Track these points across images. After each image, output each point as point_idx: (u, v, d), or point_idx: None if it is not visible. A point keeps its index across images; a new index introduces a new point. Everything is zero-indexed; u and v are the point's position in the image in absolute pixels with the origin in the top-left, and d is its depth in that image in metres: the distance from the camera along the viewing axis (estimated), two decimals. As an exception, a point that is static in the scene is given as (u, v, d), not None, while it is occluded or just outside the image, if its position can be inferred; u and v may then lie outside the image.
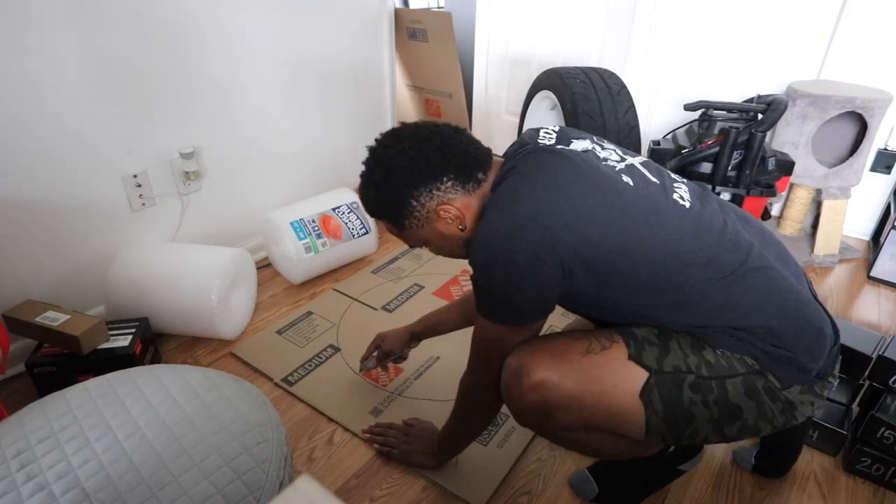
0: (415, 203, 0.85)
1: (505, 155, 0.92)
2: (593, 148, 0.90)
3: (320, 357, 1.46)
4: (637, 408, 0.82)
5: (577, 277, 0.80)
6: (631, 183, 0.84)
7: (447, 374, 1.40)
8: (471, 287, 1.61)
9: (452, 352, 1.47)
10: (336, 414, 1.28)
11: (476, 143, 0.89)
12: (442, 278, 1.82)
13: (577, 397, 0.82)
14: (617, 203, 0.80)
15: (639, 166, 0.89)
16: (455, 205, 0.86)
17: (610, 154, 0.90)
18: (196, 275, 1.43)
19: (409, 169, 0.84)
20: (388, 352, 1.31)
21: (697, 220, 0.84)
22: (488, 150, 0.90)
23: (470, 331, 1.59)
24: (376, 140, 0.88)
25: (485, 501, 1.08)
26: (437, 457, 1.12)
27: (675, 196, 0.86)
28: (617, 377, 0.82)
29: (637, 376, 0.82)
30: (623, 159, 0.89)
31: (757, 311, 0.82)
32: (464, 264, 1.90)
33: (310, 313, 1.64)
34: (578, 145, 0.89)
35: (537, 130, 0.93)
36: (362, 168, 0.89)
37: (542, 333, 0.91)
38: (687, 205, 0.86)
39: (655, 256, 0.80)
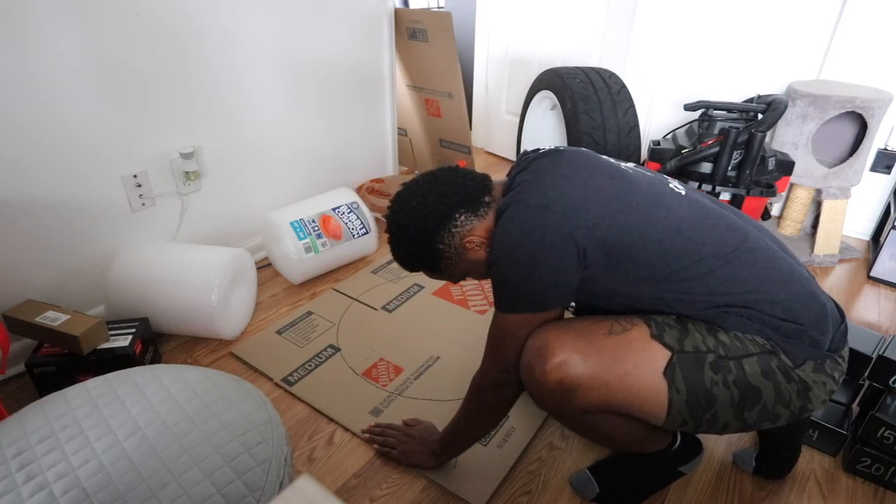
0: (441, 247, 0.91)
1: (507, 175, 0.98)
2: (590, 150, 0.98)
3: (320, 357, 1.46)
4: (660, 387, 0.83)
5: (590, 259, 0.83)
6: (630, 170, 0.91)
7: (447, 374, 1.40)
8: (472, 291, 1.62)
9: (452, 352, 1.48)
10: (336, 414, 1.28)
11: (472, 174, 0.95)
12: (442, 278, 1.82)
13: (601, 376, 0.83)
14: (621, 185, 0.86)
15: (633, 165, 0.96)
16: (476, 233, 0.91)
17: (605, 157, 0.97)
18: (196, 275, 1.43)
19: (424, 221, 0.90)
20: None
21: (694, 205, 0.90)
22: (486, 176, 0.96)
23: (468, 330, 1.60)
24: (388, 208, 0.96)
25: (485, 501, 1.08)
26: (437, 457, 1.12)
27: (671, 185, 0.93)
28: (640, 356, 0.84)
29: (660, 355, 0.83)
30: (618, 161, 0.96)
31: (763, 285, 0.85)
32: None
33: (310, 313, 1.64)
34: (575, 148, 0.97)
35: (535, 149, 1.00)
36: (387, 236, 0.96)
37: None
38: (683, 192, 0.92)
39: (661, 234, 0.84)
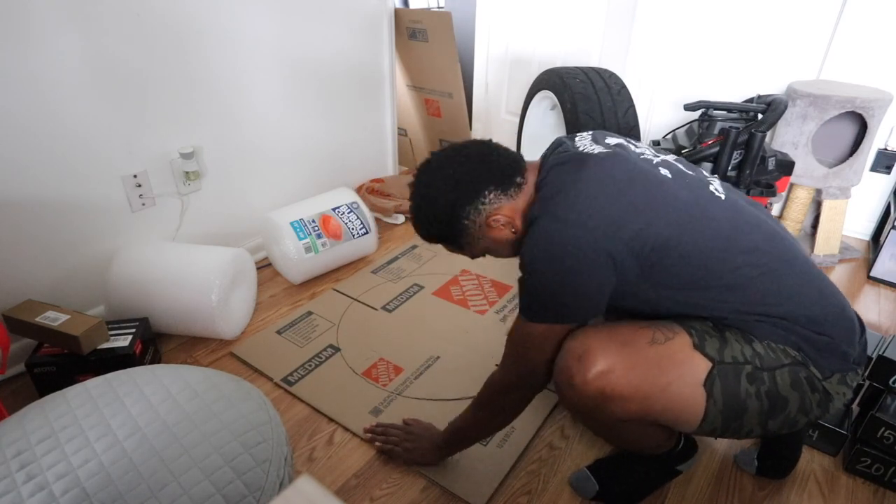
0: (467, 222, 0.89)
1: (542, 157, 0.95)
2: (629, 143, 0.93)
3: (320, 357, 1.46)
4: (699, 398, 0.82)
5: (626, 270, 0.82)
6: (669, 175, 0.87)
7: (447, 374, 1.40)
8: (472, 291, 1.61)
9: (452, 352, 1.48)
10: (336, 414, 1.28)
11: (506, 150, 0.92)
12: (442, 278, 1.82)
13: (642, 388, 0.82)
14: (658, 194, 0.83)
15: (673, 161, 0.92)
16: (503, 212, 0.89)
17: (644, 150, 0.93)
18: (196, 275, 1.43)
19: (452, 194, 0.88)
20: None
21: (734, 210, 0.87)
22: (519, 155, 0.93)
23: (468, 330, 1.60)
24: (414, 177, 0.93)
25: (485, 501, 1.08)
26: (441, 452, 1.13)
27: (712, 188, 0.89)
28: (681, 368, 0.83)
29: (701, 366, 0.82)
30: (657, 155, 0.92)
31: (798, 297, 0.84)
32: (463, 264, 1.90)
33: (310, 313, 1.64)
34: (612, 140, 0.93)
35: (572, 136, 0.97)
36: (409, 205, 0.94)
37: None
38: (722, 196, 0.89)
39: (699, 244, 0.82)
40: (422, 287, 1.77)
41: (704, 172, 0.95)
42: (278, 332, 1.56)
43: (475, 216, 0.89)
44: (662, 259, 0.81)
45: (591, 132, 0.97)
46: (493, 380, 0.98)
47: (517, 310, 1.64)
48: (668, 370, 0.82)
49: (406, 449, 1.15)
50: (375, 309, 1.67)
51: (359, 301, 1.70)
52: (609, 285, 0.83)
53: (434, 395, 1.34)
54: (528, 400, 0.97)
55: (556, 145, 0.95)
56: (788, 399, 0.83)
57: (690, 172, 0.91)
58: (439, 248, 1.99)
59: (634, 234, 0.80)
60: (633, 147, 0.93)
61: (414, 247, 2.01)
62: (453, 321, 1.61)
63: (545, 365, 0.89)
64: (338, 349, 1.49)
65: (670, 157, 0.93)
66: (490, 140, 0.94)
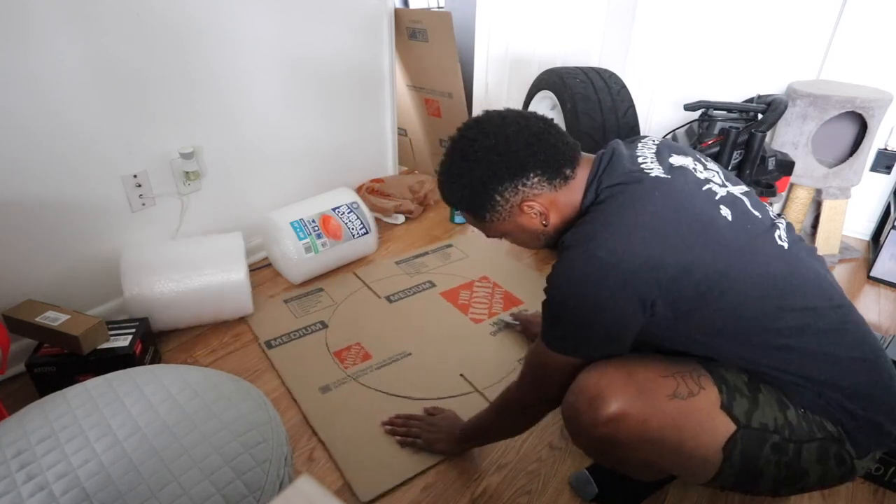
0: (499, 198, 0.83)
1: (598, 156, 0.86)
2: (694, 168, 0.85)
3: (307, 330, 1.54)
4: (715, 459, 0.78)
5: (660, 313, 0.77)
6: (730, 217, 0.79)
7: (408, 372, 1.41)
8: (479, 299, 1.57)
9: (424, 351, 1.48)
10: (290, 383, 1.36)
11: (564, 138, 0.85)
12: (457, 280, 1.80)
13: (654, 441, 0.77)
14: (709, 239, 0.76)
15: (741, 196, 0.84)
16: (540, 200, 0.83)
17: (712, 176, 0.85)
18: (218, 260, 1.51)
19: (495, 164, 0.81)
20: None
21: (795, 263, 0.80)
22: (576, 145, 0.86)
23: (453, 335, 1.55)
24: (460, 131, 0.85)
25: (374, 496, 1.08)
26: (461, 445, 1.14)
27: (777, 234, 0.82)
28: (702, 428, 0.77)
29: (724, 428, 0.77)
30: (724, 185, 0.85)
31: (850, 367, 0.78)
32: (485, 271, 1.85)
33: (320, 290, 1.73)
34: (677, 161, 0.85)
35: (633, 141, 0.89)
36: (443, 158, 0.86)
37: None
38: (786, 245, 0.81)
39: (743, 297, 0.76)
40: (434, 285, 1.77)
41: (772, 212, 0.87)
42: (285, 301, 1.67)
43: (510, 195, 0.82)
44: (701, 307, 0.76)
45: (657, 142, 0.89)
46: (509, 393, 0.97)
47: (511, 327, 1.57)
48: (686, 429, 0.77)
49: (428, 440, 1.16)
50: (379, 297, 1.70)
51: (369, 287, 1.76)
52: (635, 328, 0.78)
53: (385, 388, 1.34)
54: (543, 415, 0.95)
55: (613, 149, 0.86)
56: (809, 472, 0.78)
57: (756, 213, 0.83)
58: (471, 251, 1.97)
59: (673, 278, 0.74)
60: (699, 172, 0.84)
61: (448, 245, 2.01)
62: (444, 323, 1.60)
63: (560, 392, 0.85)
64: (326, 326, 1.56)
65: (739, 191, 0.85)
66: (552, 120, 0.86)
